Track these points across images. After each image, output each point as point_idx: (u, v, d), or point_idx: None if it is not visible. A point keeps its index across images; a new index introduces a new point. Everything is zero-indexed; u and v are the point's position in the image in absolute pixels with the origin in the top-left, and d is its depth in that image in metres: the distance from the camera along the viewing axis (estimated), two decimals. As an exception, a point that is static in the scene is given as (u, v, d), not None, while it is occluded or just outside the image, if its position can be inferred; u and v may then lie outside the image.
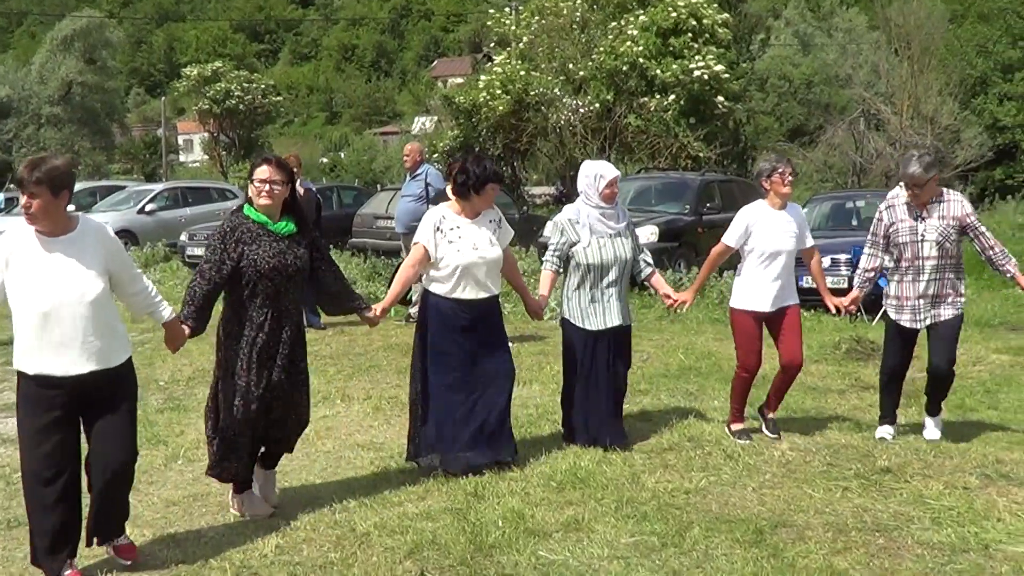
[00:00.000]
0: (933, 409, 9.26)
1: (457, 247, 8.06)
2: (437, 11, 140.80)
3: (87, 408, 6.09)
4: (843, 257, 16.95)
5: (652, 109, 32.36)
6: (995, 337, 13.04)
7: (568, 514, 7.13)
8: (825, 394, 10.87)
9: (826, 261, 15.58)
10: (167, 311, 6.56)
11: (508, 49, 36.93)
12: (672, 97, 32.30)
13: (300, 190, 15.04)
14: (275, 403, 7.13)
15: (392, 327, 15.23)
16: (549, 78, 33.63)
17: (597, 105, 32.76)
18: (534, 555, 6.44)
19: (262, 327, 7.03)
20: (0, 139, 64.83)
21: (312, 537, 6.81)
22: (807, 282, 16.31)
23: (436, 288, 8.15)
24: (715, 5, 35.57)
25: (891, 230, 8.86)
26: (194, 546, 6.69)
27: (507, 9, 42.72)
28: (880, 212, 9.03)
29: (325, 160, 79.97)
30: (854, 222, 21.06)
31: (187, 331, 6.81)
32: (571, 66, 33.97)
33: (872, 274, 9.19)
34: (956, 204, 8.73)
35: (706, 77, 32.36)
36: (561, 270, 8.92)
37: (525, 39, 36.53)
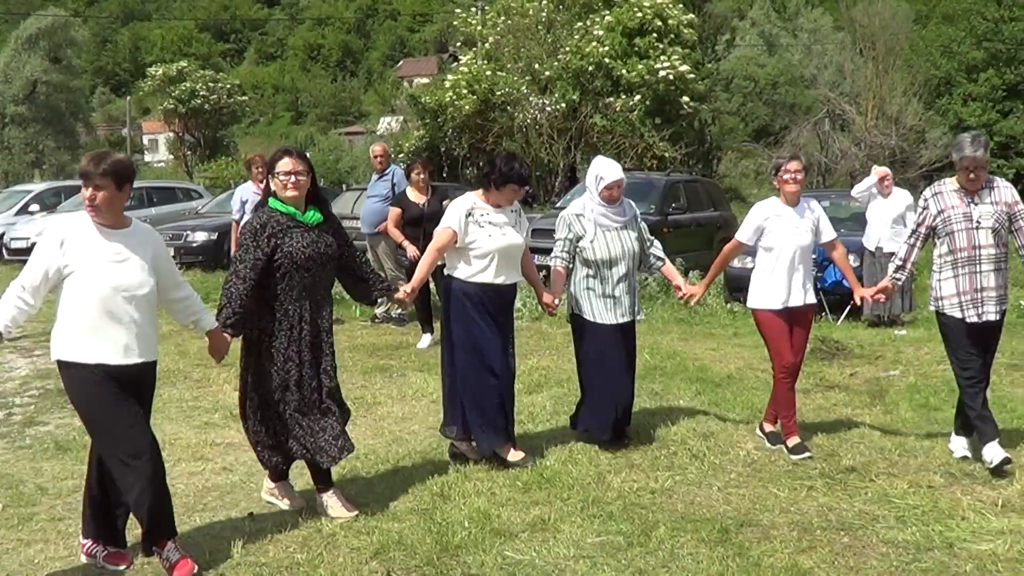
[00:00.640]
0: (967, 425, 8.54)
1: (489, 232, 8.21)
2: (403, 11, 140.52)
3: (137, 399, 6.14)
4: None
5: (618, 109, 32.46)
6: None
7: (534, 514, 7.14)
8: (790, 393, 10.94)
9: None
10: (211, 320, 6.63)
11: (474, 49, 36.98)
12: (637, 97, 32.42)
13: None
14: (327, 393, 7.19)
15: (357, 328, 15.23)
16: (515, 78, 33.66)
17: (563, 105, 32.81)
18: (500, 555, 6.44)
19: (303, 319, 7.06)
20: (-37, 138, 64.40)
21: (278, 538, 6.79)
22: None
23: (462, 272, 8.28)
24: (680, 6, 35.71)
25: (940, 218, 8.22)
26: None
27: (473, 9, 42.71)
28: (926, 201, 8.40)
29: (290, 160, 79.61)
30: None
31: (229, 339, 6.81)
32: (537, 66, 34.02)
33: (911, 266, 8.64)
34: (1007, 191, 8.21)
35: (671, 77, 32.50)
36: (571, 265, 8.94)
37: (491, 39, 36.55)
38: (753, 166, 48.95)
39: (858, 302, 9.29)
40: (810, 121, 45.16)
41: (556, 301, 8.83)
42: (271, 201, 7.17)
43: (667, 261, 9.38)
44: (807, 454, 8.60)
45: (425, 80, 63.14)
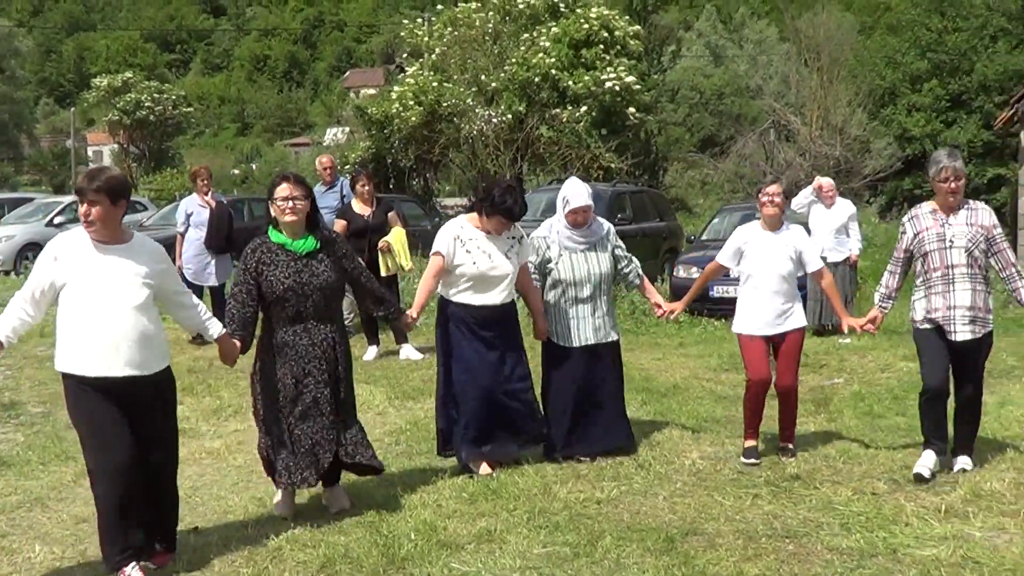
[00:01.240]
0: (965, 443, 8.53)
1: (474, 257, 8.34)
2: (350, 22, 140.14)
3: (130, 412, 6.16)
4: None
5: (564, 120, 32.48)
6: (903, 344, 13.17)
7: (480, 526, 7.14)
8: (736, 402, 10.90)
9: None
10: (218, 327, 6.81)
11: (421, 60, 36.91)
12: (584, 108, 32.46)
13: (212, 203, 14.98)
14: (318, 418, 7.28)
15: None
16: (461, 89, 33.61)
17: (509, 116, 32.79)
18: (447, 567, 6.44)
19: (292, 345, 7.21)
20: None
21: (223, 552, 6.76)
22: (717, 292, 16.48)
23: (443, 290, 8.52)
24: (627, 17, 35.87)
25: (916, 240, 8.29)
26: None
27: (420, 20, 42.67)
28: (903, 226, 8.49)
29: (236, 172, 79.32)
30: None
31: (238, 344, 7.00)
32: (483, 77, 33.99)
33: (895, 293, 8.70)
34: (985, 213, 8.24)
35: (617, 88, 32.58)
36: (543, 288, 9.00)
37: (438, 50, 36.50)
38: (699, 176, 49.18)
39: (846, 331, 9.33)
40: (755, 131, 45.43)
41: (545, 327, 8.94)
42: (270, 230, 7.32)
43: (645, 280, 9.36)
44: (753, 461, 8.72)
45: (372, 91, 63.02)
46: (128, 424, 6.14)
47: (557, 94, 33.05)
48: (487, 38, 35.46)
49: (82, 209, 6.09)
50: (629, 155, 32.94)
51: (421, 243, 16.37)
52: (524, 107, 32.96)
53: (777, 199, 8.80)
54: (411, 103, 32.75)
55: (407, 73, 36.09)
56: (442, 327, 8.61)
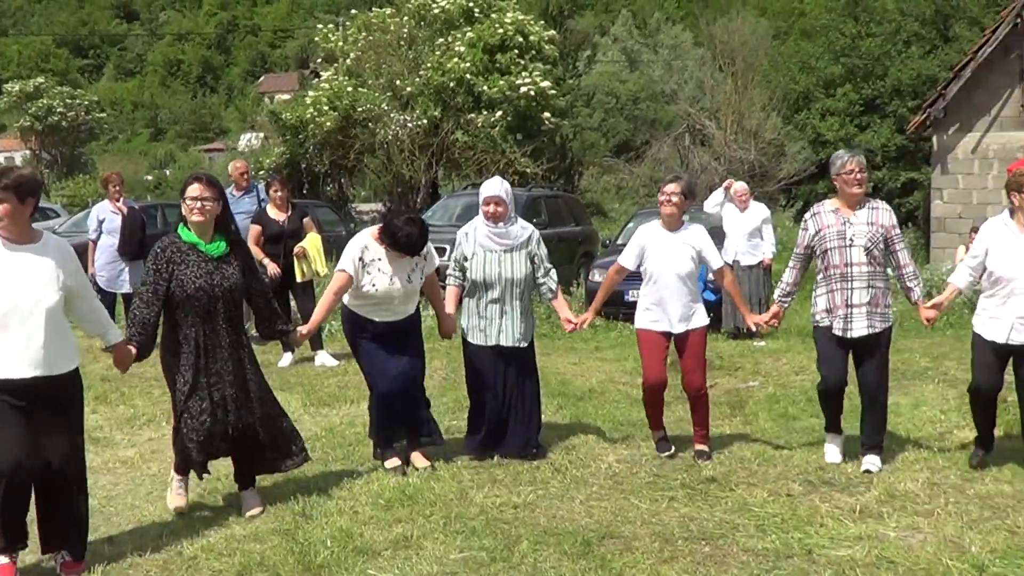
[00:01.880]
0: (871, 440, 8.61)
1: (374, 279, 8.36)
2: (264, 26, 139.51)
3: (33, 413, 6.07)
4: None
5: (479, 125, 32.45)
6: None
7: (397, 532, 7.11)
8: (651, 405, 11.02)
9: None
10: (117, 334, 6.73)
11: (335, 65, 36.70)
12: (499, 113, 32.45)
13: (124, 209, 14.82)
14: (230, 419, 7.32)
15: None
16: (376, 94, 33.49)
17: (424, 121, 32.71)
18: (363, 574, 6.42)
19: (200, 347, 7.21)
20: None
21: (138, 562, 6.68)
22: (632, 296, 16.54)
23: (351, 303, 8.60)
24: (542, 22, 35.89)
25: (818, 237, 8.44)
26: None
27: (334, 25, 42.48)
28: (805, 222, 8.64)
29: (150, 178, 78.58)
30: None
31: (134, 352, 6.93)
32: (398, 82, 33.88)
33: (794, 288, 8.86)
34: (885, 213, 8.44)
35: (533, 93, 32.59)
36: (466, 284, 9.02)
37: (352, 55, 36.32)
38: (615, 181, 49.35)
39: (753, 328, 9.43)
40: (671, 136, 45.77)
41: (453, 326, 9.04)
42: (180, 228, 7.28)
43: (559, 294, 9.34)
44: (667, 453, 8.95)
45: (286, 96, 62.76)
46: (26, 426, 6.05)
47: (472, 99, 33.02)
48: (402, 43, 35.36)
49: None
50: (544, 160, 32.96)
51: (336, 248, 16.29)
52: (439, 112, 32.91)
53: (675, 198, 8.80)
54: (326, 108, 32.60)
55: (322, 78, 35.92)
56: (347, 334, 8.80)
